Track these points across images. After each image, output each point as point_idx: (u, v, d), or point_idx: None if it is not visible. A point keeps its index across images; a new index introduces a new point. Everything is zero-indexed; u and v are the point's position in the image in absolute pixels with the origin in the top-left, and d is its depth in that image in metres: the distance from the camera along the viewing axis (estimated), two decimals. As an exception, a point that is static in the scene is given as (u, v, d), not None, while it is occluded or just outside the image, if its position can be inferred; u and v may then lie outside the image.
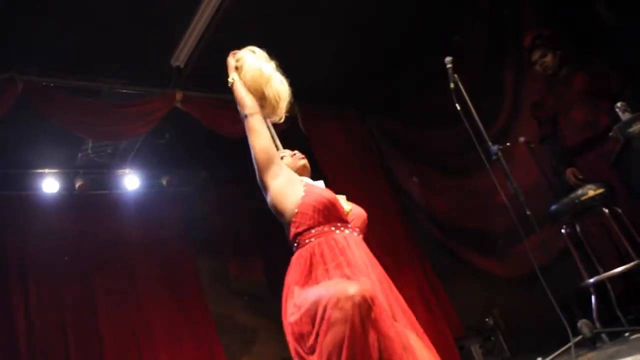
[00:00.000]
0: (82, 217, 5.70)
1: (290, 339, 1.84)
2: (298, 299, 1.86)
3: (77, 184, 5.65)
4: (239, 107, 2.27)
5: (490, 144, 3.22)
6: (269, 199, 2.13)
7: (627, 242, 3.29)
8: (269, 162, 2.13)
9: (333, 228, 2.02)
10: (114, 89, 4.74)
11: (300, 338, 1.78)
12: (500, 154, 3.20)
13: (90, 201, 5.87)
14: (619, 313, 3.29)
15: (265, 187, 2.13)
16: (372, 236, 5.42)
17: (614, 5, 4.14)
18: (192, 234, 6.46)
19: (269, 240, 6.64)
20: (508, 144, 3.37)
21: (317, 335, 1.69)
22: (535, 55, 4.09)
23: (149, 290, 5.78)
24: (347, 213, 2.14)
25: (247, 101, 2.24)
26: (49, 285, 5.20)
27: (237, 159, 6.20)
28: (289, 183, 2.11)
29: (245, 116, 2.21)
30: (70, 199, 5.68)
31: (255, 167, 2.16)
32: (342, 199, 2.19)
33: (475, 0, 5.12)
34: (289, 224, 2.05)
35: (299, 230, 2.02)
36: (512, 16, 4.88)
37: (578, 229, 3.53)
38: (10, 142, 4.88)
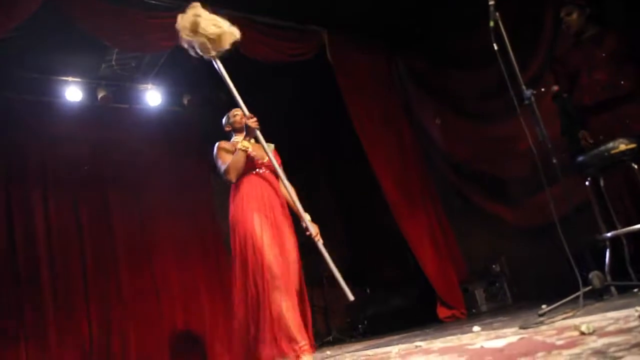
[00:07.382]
0: (103, 128, 5.75)
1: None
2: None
3: (100, 95, 5.64)
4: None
5: (524, 87, 3.14)
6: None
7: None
8: None
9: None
10: (143, -2, 4.61)
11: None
12: (533, 98, 3.13)
13: (112, 113, 5.89)
14: (630, 269, 3.31)
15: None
16: (387, 173, 5.43)
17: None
18: (208, 155, 6.46)
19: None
20: (542, 89, 3.29)
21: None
22: (562, 12, 3.94)
23: (161, 208, 5.88)
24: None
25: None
26: (67, 190, 5.32)
27: (263, 86, 6.15)
28: None
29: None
30: (92, 109, 5.71)
31: None
32: None
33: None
34: None
35: None
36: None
37: (602, 182, 3.49)
38: (35, 47, 4.83)
